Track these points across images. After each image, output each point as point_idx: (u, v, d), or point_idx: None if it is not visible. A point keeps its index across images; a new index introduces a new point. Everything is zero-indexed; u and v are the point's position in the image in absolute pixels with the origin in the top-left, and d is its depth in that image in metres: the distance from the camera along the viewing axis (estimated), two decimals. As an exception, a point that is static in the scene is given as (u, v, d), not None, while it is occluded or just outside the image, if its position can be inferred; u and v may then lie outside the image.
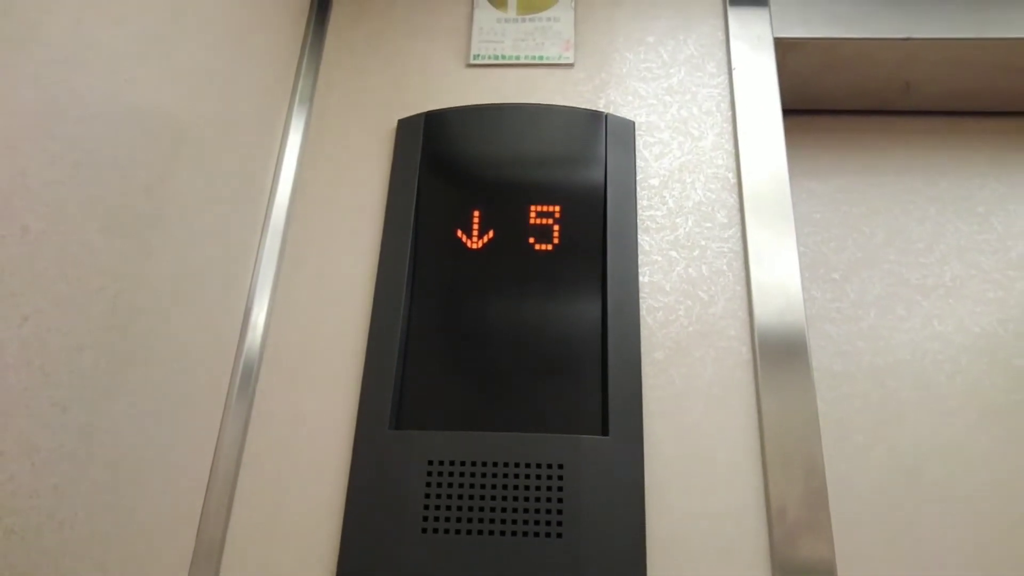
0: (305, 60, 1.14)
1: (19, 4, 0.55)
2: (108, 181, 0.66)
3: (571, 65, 1.13)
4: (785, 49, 1.13)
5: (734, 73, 1.10)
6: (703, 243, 1.00)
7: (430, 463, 0.87)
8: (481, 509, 0.84)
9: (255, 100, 1.00)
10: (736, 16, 1.14)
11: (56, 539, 0.61)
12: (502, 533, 0.83)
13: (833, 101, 1.26)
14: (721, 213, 1.01)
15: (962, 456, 1.05)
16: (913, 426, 1.07)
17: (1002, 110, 1.26)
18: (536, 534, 0.83)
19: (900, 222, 1.21)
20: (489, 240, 0.99)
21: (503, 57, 1.14)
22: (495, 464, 0.86)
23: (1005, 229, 1.19)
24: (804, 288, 1.16)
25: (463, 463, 0.86)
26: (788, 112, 1.22)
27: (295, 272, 1.02)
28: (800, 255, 1.17)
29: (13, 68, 0.55)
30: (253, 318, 0.97)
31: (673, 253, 0.99)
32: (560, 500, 0.84)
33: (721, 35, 1.14)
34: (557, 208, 1.00)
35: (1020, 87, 1.21)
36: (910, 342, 1.13)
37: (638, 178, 1.04)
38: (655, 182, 1.04)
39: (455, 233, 1.00)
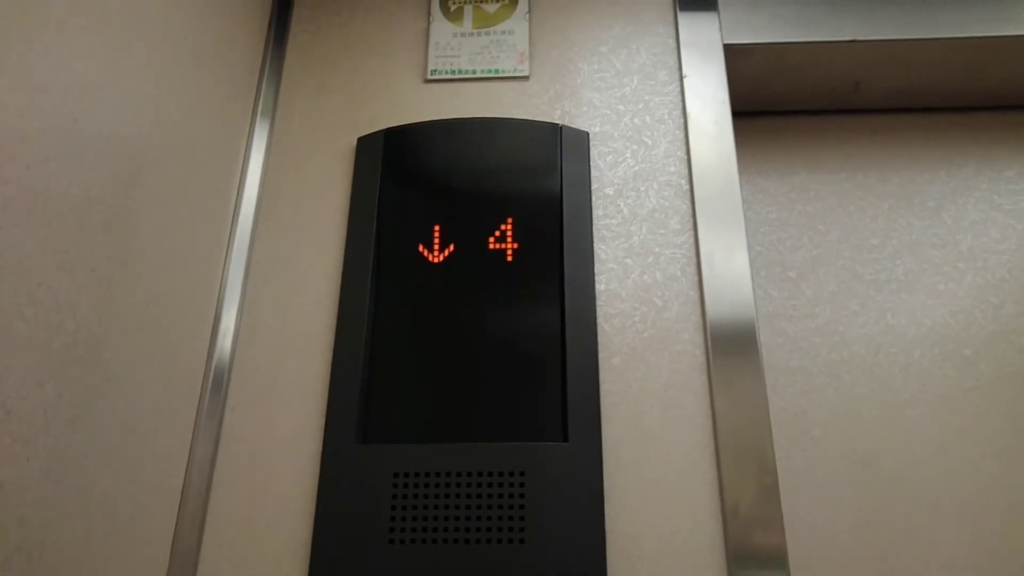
0: (264, 81, 1.16)
1: (-35, 57, 0.57)
2: (64, 220, 0.68)
3: (526, 77, 1.15)
4: (735, 55, 1.16)
5: (685, 80, 1.13)
6: (657, 250, 1.02)
7: (396, 475, 0.89)
8: (446, 519, 0.87)
9: (215, 123, 1.02)
10: (686, 23, 1.17)
11: (25, 569, 0.63)
12: (466, 541, 0.86)
13: (785, 102, 1.29)
14: (674, 220, 1.04)
15: (916, 445, 1.09)
16: (868, 418, 1.11)
17: (950, 106, 1.30)
18: (499, 540, 0.86)
19: (853, 219, 1.25)
20: (450, 253, 1.02)
21: (460, 72, 1.16)
22: (458, 474, 0.89)
23: (955, 222, 1.23)
24: (761, 287, 1.19)
25: (427, 474, 0.89)
26: (742, 114, 1.26)
27: (261, 291, 1.04)
28: (756, 255, 1.20)
29: (-39, 119, 0.57)
30: (220, 339, 0.99)
31: (628, 261, 1.02)
32: (522, 507, 0.87)
33: (672, 42, 1.17)
34: (515, 220, 1.02)
35: (964, 84, 1.24)
36: (864, 336, 1.16)
37: (593, 188, 1.07)
38: (610, 191, 1.07)
39: (417, 247, 1.03)
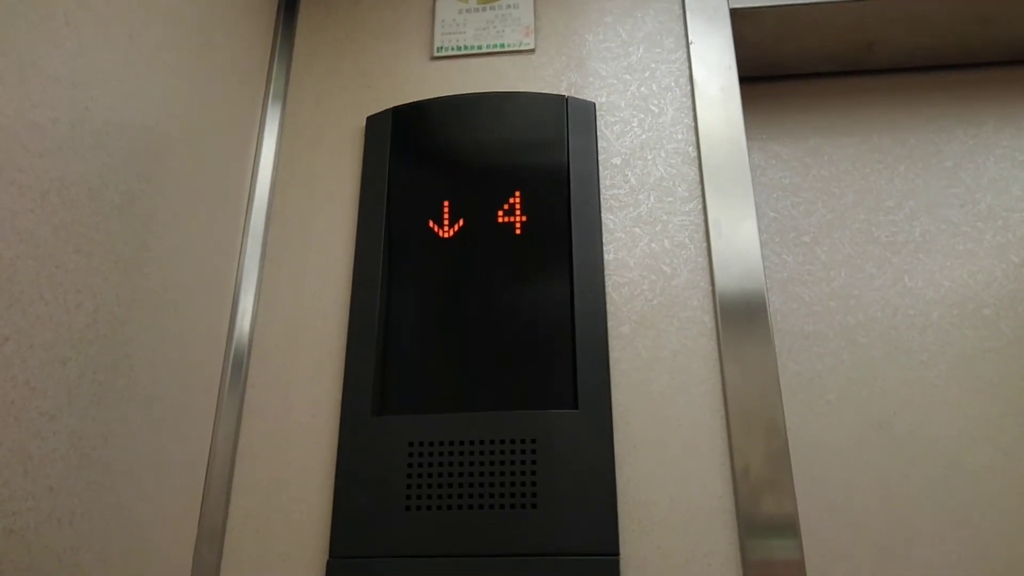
0: (275, 64, 1.18)
1: (-25, 50, 0.60)
2: (79, 206, 0.71)
3: (532, 51, 1.16)
4: (742, 19, 1.14)
5: (691, 47, 1.12)
6: (665, 218, 1.03)
7: (411, 445, 0.92)
8: (460, 485, 0.89)
9: (228, 108, 1.05)
10: (692, -11, 1.16)
11: (56, 536, 0.67)
12: (480, 507, 0.88)
13: (796, 66, 1.27)
14: (682, 187, 1.04)
15: (933, 407, 1.08)
16: (884, 381, 1.10)
17: (967, 62, 1.27)
18: (512, 506, 0.88)
19: (869, 181, 1.23)
20: (459, 228, 1.03)
21: (465, 48, 1.16)
22: (471, 442, 0.91)
23: (973, 181, 1.21)
24: (775, 252, 1.19)
25: (441, 443, 0.91)
26: (752, 79, 1.25)
27: (277, 270, 1.07)
28: (770, 220, 1.20)
29: (-25, 110, 0.59)
30: (239, 318, 1.02)
31: (636, 229, 1.02)
32: (534, 473, 0.89)
33: (678, 9, 1.16)
34: (523, 193, 1.03)
35: (980, 38, 1.21)
36: (881, 299, 1.15)
37: (600, 158, 1.07)
38: (617, 161, 1.07)
39: (427, 223, 1.04)
